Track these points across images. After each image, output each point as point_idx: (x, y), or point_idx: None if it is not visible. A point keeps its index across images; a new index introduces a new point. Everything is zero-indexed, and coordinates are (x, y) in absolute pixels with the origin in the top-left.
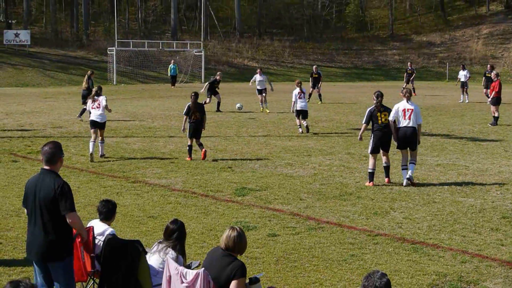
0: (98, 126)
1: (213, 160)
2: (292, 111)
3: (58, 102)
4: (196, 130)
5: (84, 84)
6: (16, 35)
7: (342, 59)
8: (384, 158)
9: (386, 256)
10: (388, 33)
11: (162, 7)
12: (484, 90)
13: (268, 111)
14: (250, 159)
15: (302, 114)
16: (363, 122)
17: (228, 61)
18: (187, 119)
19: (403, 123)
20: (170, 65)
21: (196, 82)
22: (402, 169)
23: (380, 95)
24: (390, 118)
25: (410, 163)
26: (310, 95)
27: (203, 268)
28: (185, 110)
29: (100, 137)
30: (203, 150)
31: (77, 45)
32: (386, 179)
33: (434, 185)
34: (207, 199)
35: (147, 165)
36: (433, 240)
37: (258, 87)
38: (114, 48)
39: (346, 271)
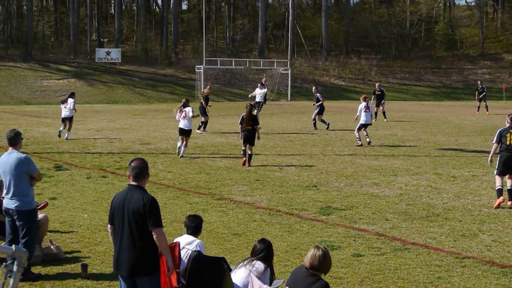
0: (184, 133)
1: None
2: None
3: (147, 119)
4: (247, 138)
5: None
6: (108, 53)
7: (431, 78)
8: (509, 181)
9: (474, 279)
10: (478, 51)
11: (250, 26)
12: None
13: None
14: (335, 178)
15: (365, 127)
16: (494, 141)
17: (314, 80)
18: (242, 128)
19: None
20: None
21: (283, 100)
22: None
23: None
24: None
25: None
26: (376, 114)
27: (287, 287)
28: (240, 120)
29: (184, 142)
30: (245, 158)
31: (166, 63)
32: (510, 202)
33: None
34: (292, 217)
35: (233, 182)
36: None
37: (257, 100)
38: (202, 66)
39: None
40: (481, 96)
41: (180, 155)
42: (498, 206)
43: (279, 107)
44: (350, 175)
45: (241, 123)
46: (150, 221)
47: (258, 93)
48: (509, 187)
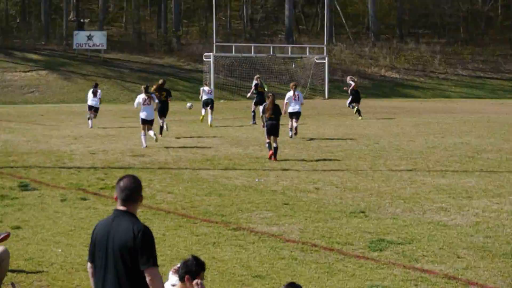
0: (148, 123)
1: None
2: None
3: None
4: (271, 128)
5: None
6: (89, 37)
7: None
8: None
9: None
10: None
11: (273, 2)
12: None
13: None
14: (389, 201)
15: (295, 116)
16: None
17: (359, 71)
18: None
19: None
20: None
21: (318, 98)
22: None
23: None
24: None
25: None
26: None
27: None
28: (262, 109)
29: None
30: (271, 151)
31: (165, 51)
32: None
33: None
34: (332, 254)
35: (253, 207)
36: None
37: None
38: (211, 54)
39: None
40: None
41: (144, 145)
42: None
43: (314, 107)
44: (409, 197)
45: (263, 112)
46: (143, 259)
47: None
48: None
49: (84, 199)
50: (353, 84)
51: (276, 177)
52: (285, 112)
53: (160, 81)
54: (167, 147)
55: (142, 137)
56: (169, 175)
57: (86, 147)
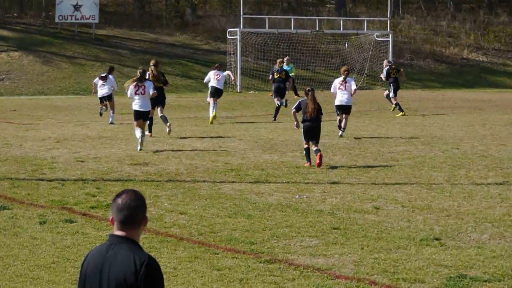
0: (142, 116)
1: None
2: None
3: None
4: (310, 131)
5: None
6: (76, 8)
7: None
8: None
9: None
10: None
11: None
12: None
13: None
14: (473, 225)
15: (343, 110)
16: None
17: (434, 52)
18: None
19: None
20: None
21: (379, 88)
22: None
23: None
24: None
25: None
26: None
27: None
28: (295, 104)
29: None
30: (319, 154)
31: (176, 25)
32: None
33: None
34: None
35: (293, 233)
36: None
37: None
38: (238, 29)
39: None
40: None
41: (140, 148)
42: None
43: (373, 99)
44: (498, 219)
45: (297, 109)
46: None
47: (214, 77)
48: None
49: (70, 221)
50: (387, 68)
51: (322, 193)
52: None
53: (139, 71)
54: (177, 151)
55: (137, 134)
56: (181, 190)
57: (73, 152)
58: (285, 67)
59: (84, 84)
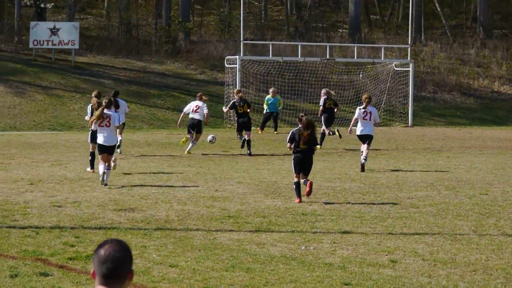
0: (106, 151)
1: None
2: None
3: (128, 161)
4: (302, 162)
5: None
6: (54, 31)
7: None
8: None
9: None
10: None
11: None
12: None
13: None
14: (503, 281)
15: (364, 139)
16: None
17: (460, 84)
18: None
19: None
20: (267, 97)
21: (398, 125)
22: None
23: None
24: None
25: None
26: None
27: None
28: (288, 136)
29: (107, 164)
30: (309, 182)
31: (167, 52)
32: None
33: None
34: None
35: None
36: None
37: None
38: (237, 57)
39: None
40: None
41: (105, 182)
42: None
43: (392, 137)
44: None
45: (291, 141)
46: None
47: (193, 109)
48: None
49: (45, 274)
50: (324, 98)
51: (332, 244)
52: (350, 130)
53: (94, 94)
54: (167, 194)
55: (100, 170)
56: (171, 240)
57: (48, 196)
58: (271, 99)
59: (62, 118)
